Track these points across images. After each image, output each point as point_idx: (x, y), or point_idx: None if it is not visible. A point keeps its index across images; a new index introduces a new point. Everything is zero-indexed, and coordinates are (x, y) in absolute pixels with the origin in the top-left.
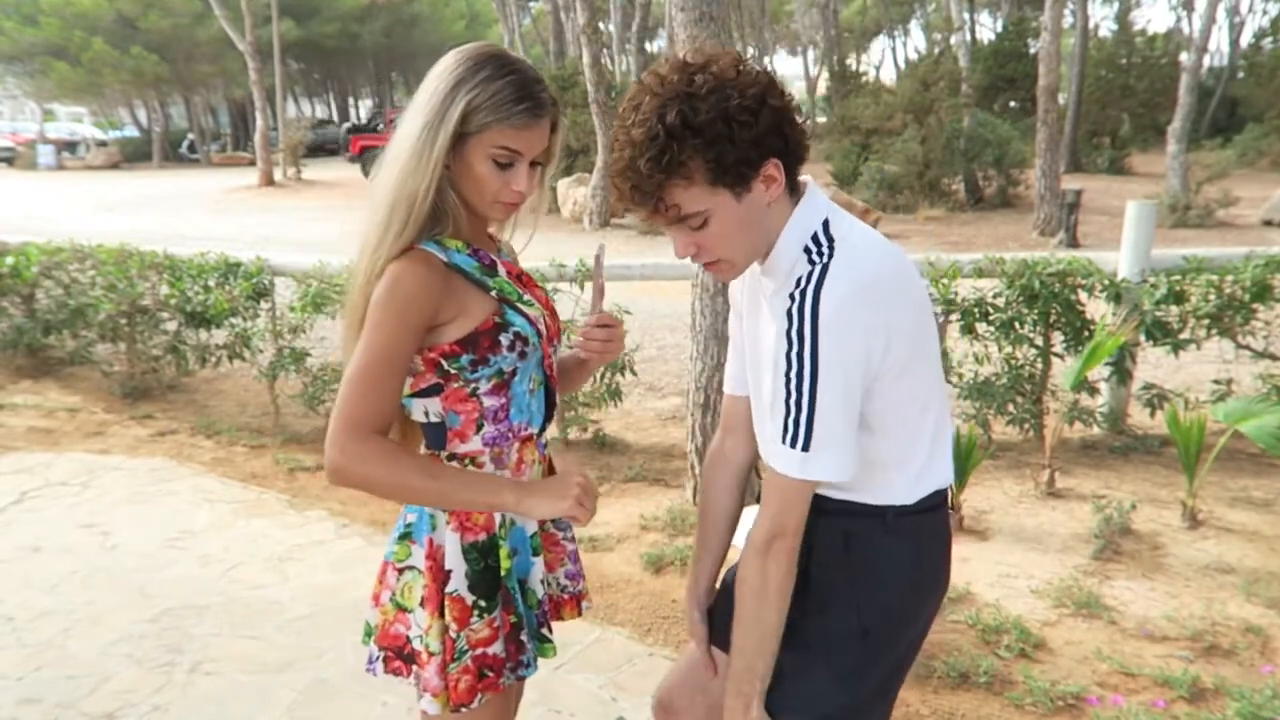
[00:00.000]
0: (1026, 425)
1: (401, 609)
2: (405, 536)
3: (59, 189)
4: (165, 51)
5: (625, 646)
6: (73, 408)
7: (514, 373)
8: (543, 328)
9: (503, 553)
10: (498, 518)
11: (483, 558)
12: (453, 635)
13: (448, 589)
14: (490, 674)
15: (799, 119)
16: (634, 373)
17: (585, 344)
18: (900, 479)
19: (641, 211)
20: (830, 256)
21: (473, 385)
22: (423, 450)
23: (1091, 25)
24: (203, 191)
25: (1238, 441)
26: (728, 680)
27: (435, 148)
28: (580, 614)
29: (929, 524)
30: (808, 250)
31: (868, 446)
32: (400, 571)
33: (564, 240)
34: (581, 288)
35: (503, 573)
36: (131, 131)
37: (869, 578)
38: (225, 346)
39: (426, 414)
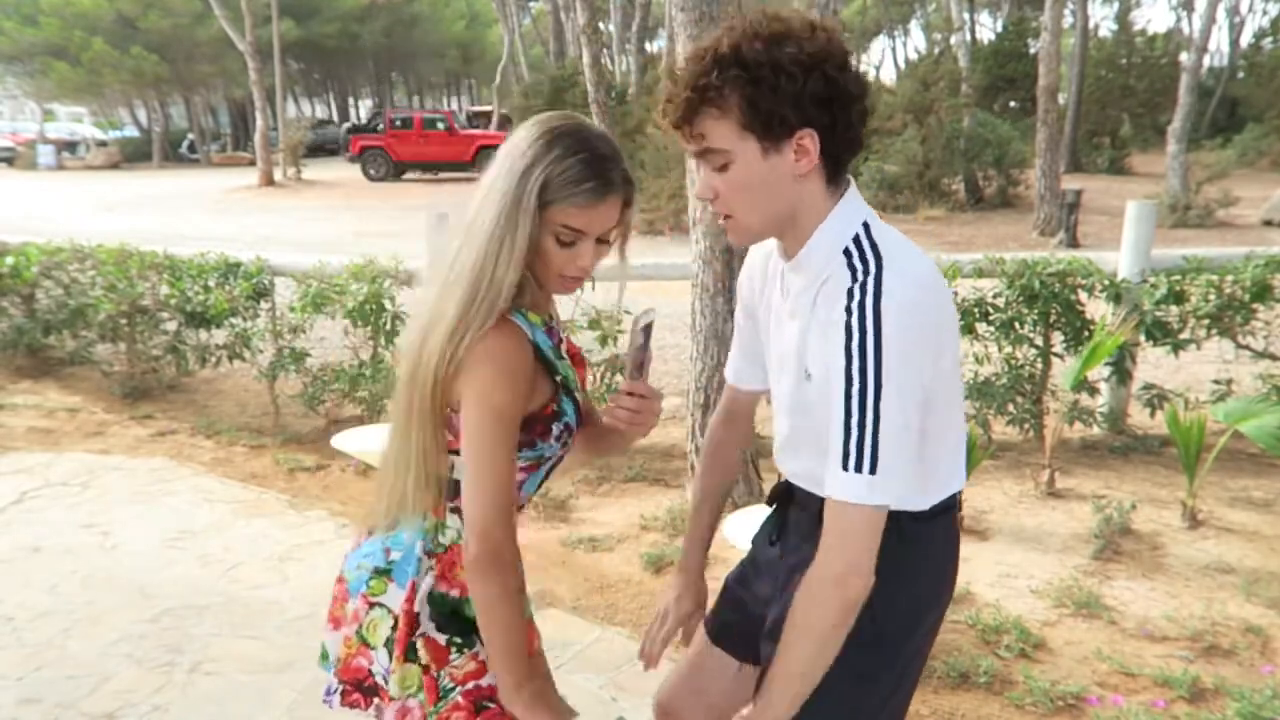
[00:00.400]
0: (1026, 425)
1: (365, 644)
2: (384, 572)
3: (59, 189)
4: (165, 51)
5: (625, 646)
6: (73, 408)
7: (551, 459)
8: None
9: (467, 611)
10: None
11: (451, 608)
12: (434, 675)
13: (418, 631)
14: (491, 705)
15: (861, 106)
16: None
17: (614, 411)
18: (924, 486)
19: (676, 133)
20: (880, 265)
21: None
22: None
23: (1091, 25)
24: (203, 191)
25: (1238, 441)
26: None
27: (519, 231)
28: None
29: (941, 528)
30: (848, 254)
31: None
32: (371, 606)
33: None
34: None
35: (467, 619)
36: (131, 131)
37: (884, 586)
38: (225, 346)
39: (453, 469)
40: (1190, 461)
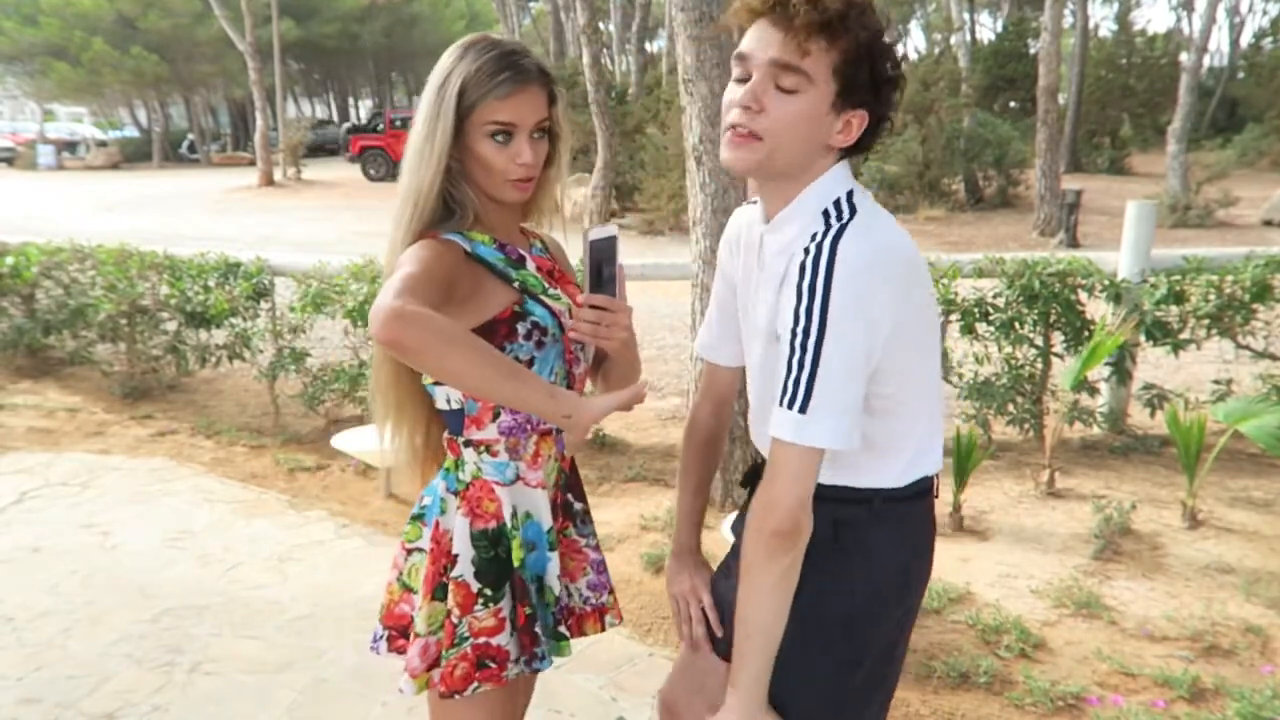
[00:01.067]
0: (1026, 425)
1: (407, 589)
2: (418, 518)
3: (59, 189)
4: (165, 51)
5: (625, 646)
6: (73, 408)
7: (530, 362)
8: (567, 321)
9: (515, 543)
10: (508, 508)
11: (493, 546)
12: (454, 621)
13: (453, 574)
14: (492, 665)
15: (890, 118)
16: None
17: (575, 325)
18: (894, 464)
19: (766, 32)
20: (852, 218)
21: None
22: (445, 437)
23: (1091, 25)
24: (203, 191)
25: (1238, 441)
26: (730, 675)
27: (437, 139)
28: (604, 628)
29: (916, 510)
30: (826, 214)
31: (867, 428)
32: (409, 552)
33: (563, 240)
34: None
35: (516, 564)
36: (131, 131)
37: (858, 563)
38: (225, 346)
39: (449, 400)
40: (1190, 461)
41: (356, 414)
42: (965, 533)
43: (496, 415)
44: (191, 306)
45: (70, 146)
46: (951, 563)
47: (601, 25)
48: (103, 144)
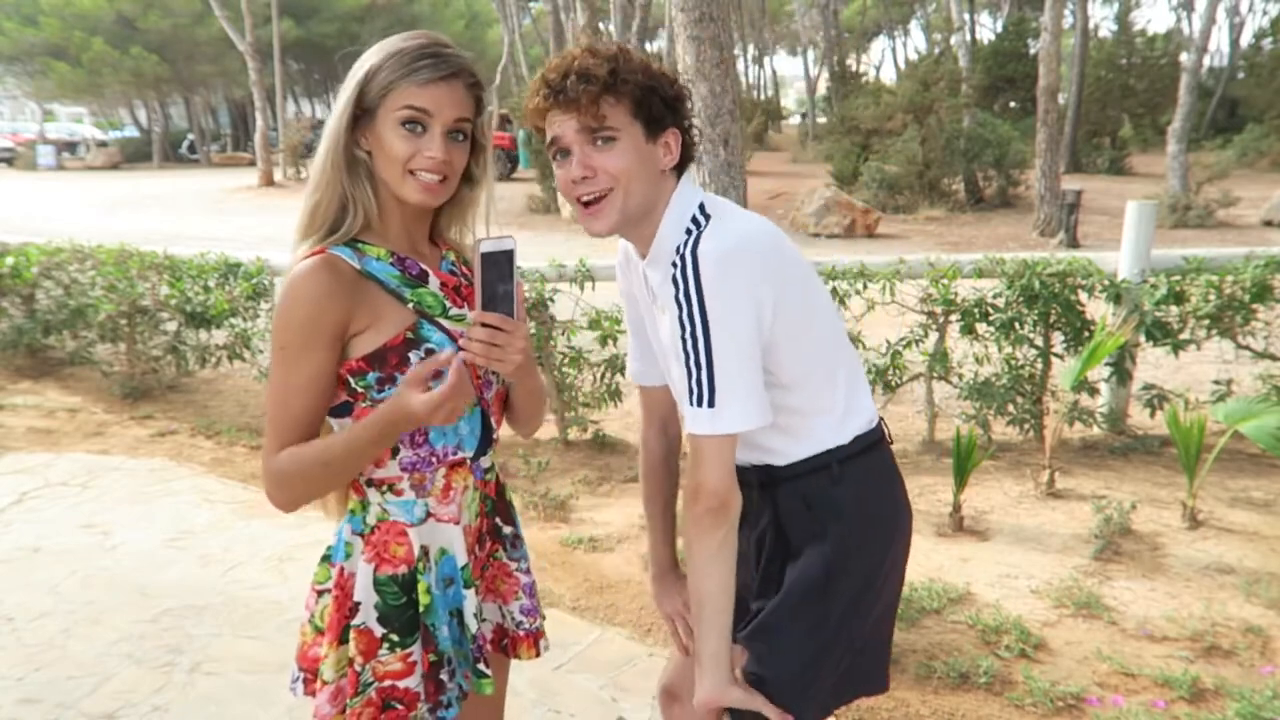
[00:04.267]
0: (1026, 425)
1: (319, 631)
2: (325, 559)
3: (59, 189)
4: (165, 51)
5: (625, 646)
6: (73, 408)
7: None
8: None
9: (421, 588)
10: (418, 549)
11: (403, 592)
12: (357, 668)
13: (354, 621)
14: (398, 706)
15: (692, 122)
16: None
17: (466, 344)
18: (824, 424)
19: (562, 116)
20: (706, 224)
21: (378, 404)
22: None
23: (1091, 25)
24: (203, 192)
25: (1238, 442)
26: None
27: (332, 124)
28: (538, 654)
29: (873, 463)
30: (688, 231)
31: (784, 400)
32: (319, 594)
33: (563, 241)
34: (580, 287)
35: (421, 609)
36: (131, 132)
37: (830, 525)
38: (225, 347)
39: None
40: (1190, 462)
41: None
42: (965, 533)
43: (396, 451)
44: (191, 307)
45: (70, 147)
46: (951, 563)
47: (601, 25)
48: (103, 144)
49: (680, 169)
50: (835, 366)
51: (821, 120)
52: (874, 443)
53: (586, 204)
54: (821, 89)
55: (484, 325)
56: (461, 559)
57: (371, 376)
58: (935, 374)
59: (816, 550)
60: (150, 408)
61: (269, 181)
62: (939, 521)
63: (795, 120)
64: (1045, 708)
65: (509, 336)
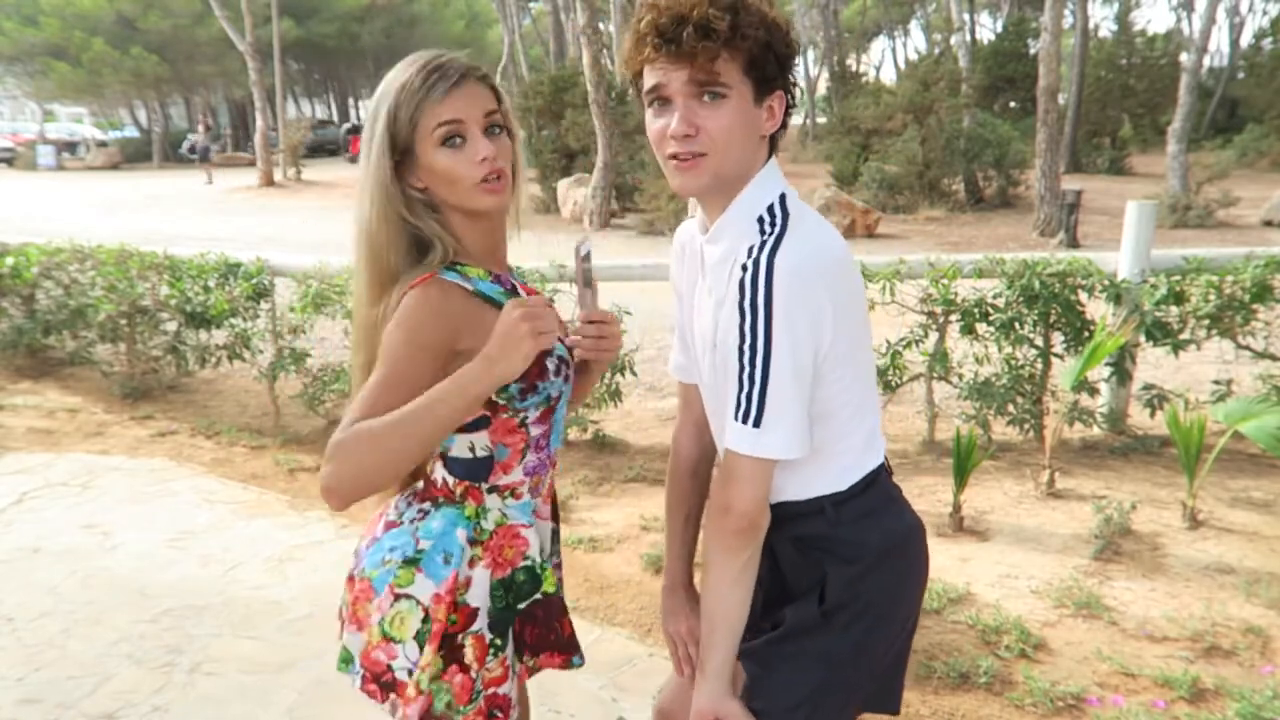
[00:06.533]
0: (1026, 426)
1: (387, 637)
2: (412, 562)
3: (59, 189)
4: (165, 52)
5: (625, 647)
6: (73, 408)
7: (559, 397)
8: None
9: (548, 574)
10: (535, 547)
11: (506, 594)
12: (472, 675)
13: (473, 627)
14: (499, 714)
15: (796, 83)
16: (634, 373)
17: (578, 343)
18: (833, 468)
19: (669, 65)
20: (784, 228)
21: (521, 415)
22: (464, 485)
23: (1091, 25)
24: (203, 192)
25: (1238, 442)
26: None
27: (373, 165)
28: (569, 667)
29: (870, 501)
30: (761, 220)
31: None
32: (397, 598)
33: (564, 241)
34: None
35: (547, 590)
36: (131, 132)
37: (830, 566)
38: (225, 347)
39: (473, 449)
40: (1190, 462)
41: None
42: (965, 533)
43: (524, 456)
44: (191, 307)
45: (70, 147)
46: (951, 563)
47: (601, 25)
48: (103, 144)
49: (775, 138)
50: (864, 411)
51: (821, 120)
52: (871, 482)
53: (680, 159)
54: (821, 89)
55: (591, 322)
56: (547, 550)
57: (514, 387)
58: (935, 374)
59: (815, 592)
60: (150, 408)
61: (269, 182)
62: (939, 521)
63: (795, 120)
64: (1045, 708)
65: (612, 328)
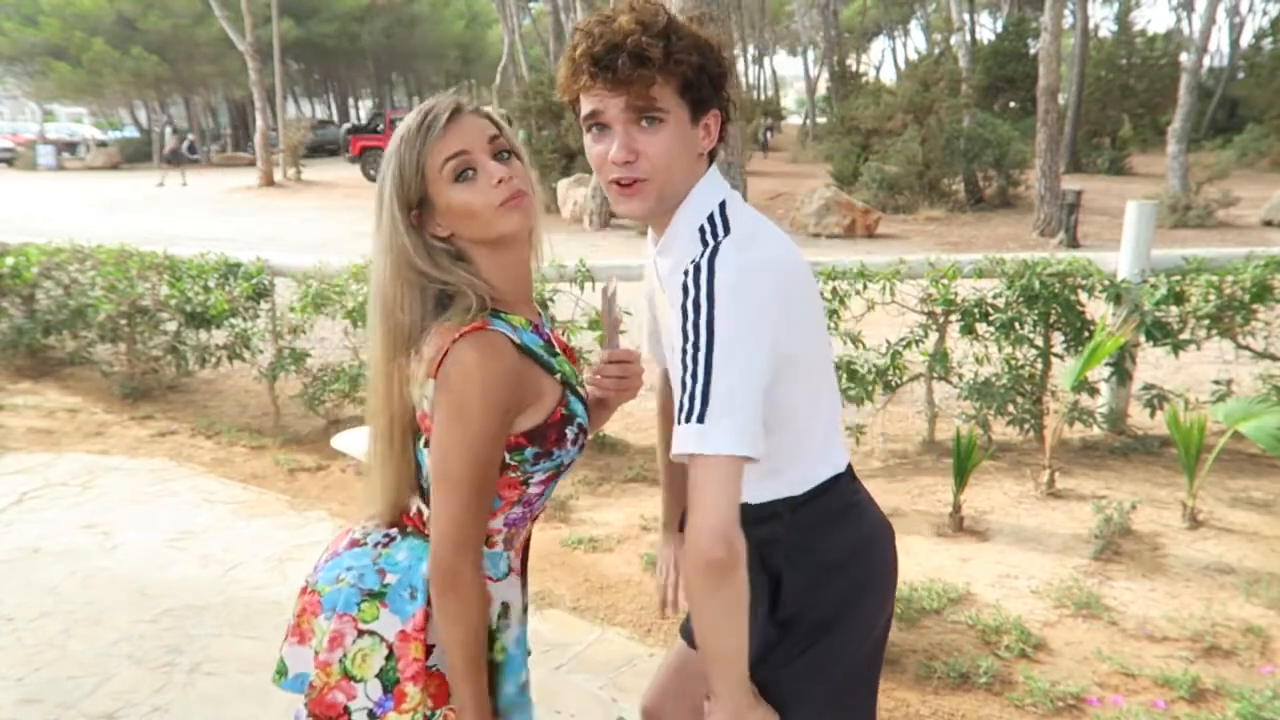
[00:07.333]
0: (1026, 426)
1: (348, 675)
2: (377, 596)
3: (59, 189)
4: (165, 52)
5: (625, 647)
6: (73, 408)
7: (569, 465)
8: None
9: (497, 645)
10: (496, 606)
11: None
12: (426, 712)
13: (429, 662)
14: None
15: (731, 99)
16: None
17: (600, 382)
18: (788, 473)
19: (606, 92)
20: (726, 232)
21: (529, 476)
22: (426, 515)
23: (1091, 25)
24: (203, 192)
25: (1238, 442)
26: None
27: (393, 240)
28: None
29: (826, 506)
30: (702, 230)
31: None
32: (360, 634)
33: (564, 241)
34: (580, 287)
35: (498, 660)
36: (131, 132)
37: (785, 573)
38: (225, 347)
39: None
40: (1190, 462)
41: (356, 414)
42: (965, 533)
43: (511, 508)
44: (191, 307)
45: (70, 147)
46: (951, 563)
47: None
48: (103, 144)
49: (714, 152)
50: (817, 420)
51: (821, 120)
52: (827, 488)
53: (622, 184)
54: (821, 89)
55: (613, 362)
56: (520, 608)
57: (530, 451)
58: (935, 374)
59: (769, 599)
60: (150, 408)
61: (269, 182)
62: (939, 521)
63: (795, 120)
64: (1045, 708)
65: (635, 368)
